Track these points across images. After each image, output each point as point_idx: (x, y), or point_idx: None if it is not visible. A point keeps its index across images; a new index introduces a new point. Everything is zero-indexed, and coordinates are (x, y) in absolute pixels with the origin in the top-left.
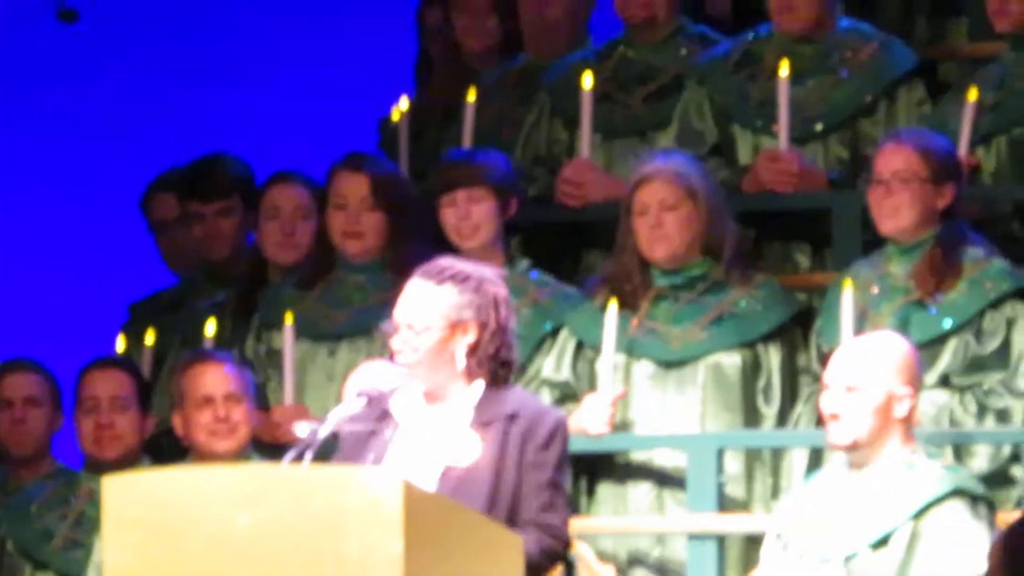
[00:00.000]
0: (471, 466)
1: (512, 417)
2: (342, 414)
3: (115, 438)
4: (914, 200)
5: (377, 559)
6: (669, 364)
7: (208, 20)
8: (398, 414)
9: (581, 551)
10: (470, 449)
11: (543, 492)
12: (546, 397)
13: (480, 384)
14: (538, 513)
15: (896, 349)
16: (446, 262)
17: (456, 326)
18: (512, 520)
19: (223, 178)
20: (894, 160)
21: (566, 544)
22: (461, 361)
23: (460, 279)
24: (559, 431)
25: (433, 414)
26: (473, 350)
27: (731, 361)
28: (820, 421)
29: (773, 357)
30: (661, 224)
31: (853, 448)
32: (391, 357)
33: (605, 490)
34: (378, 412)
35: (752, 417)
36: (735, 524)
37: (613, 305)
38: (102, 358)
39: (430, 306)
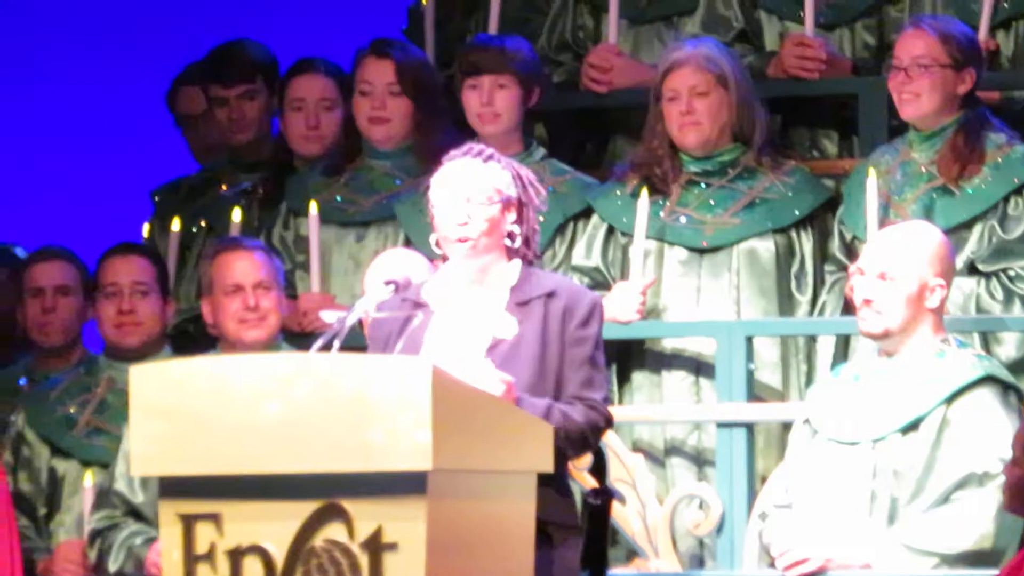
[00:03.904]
0: (517, 338)
1: (551, 295)
2: (370, 302)
3: (136, 324)
4: (934, 85)
5: (404, 447)
6: (703, 250)
7: None
8: (433, 300)
9: (610, 441)
10: (513, 324)
11: (583, 368)
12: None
13: (518, 263)
14: (580, 389)
15: (931, 239)
16: (475, 144)
17: (508, 203)
18: (557, 392)
19: (245, 62)
20: (914, 46)
21: (608, 419)
22: (512, 238)
23: (497, 159)
24: (596, 309)
25: (473, 294)
26: (517, 224)
27: (765, 246)
28: (846, 309)
29: (806, 243)
30: (692, 110)
31: (884, 336)
32: (408, 245)
33: (640, 377)
34: (409, 301)
35: (787, 303)
36: (764, 413)
37: (644, 192)
38: (123, 244)
39: (485, 181)
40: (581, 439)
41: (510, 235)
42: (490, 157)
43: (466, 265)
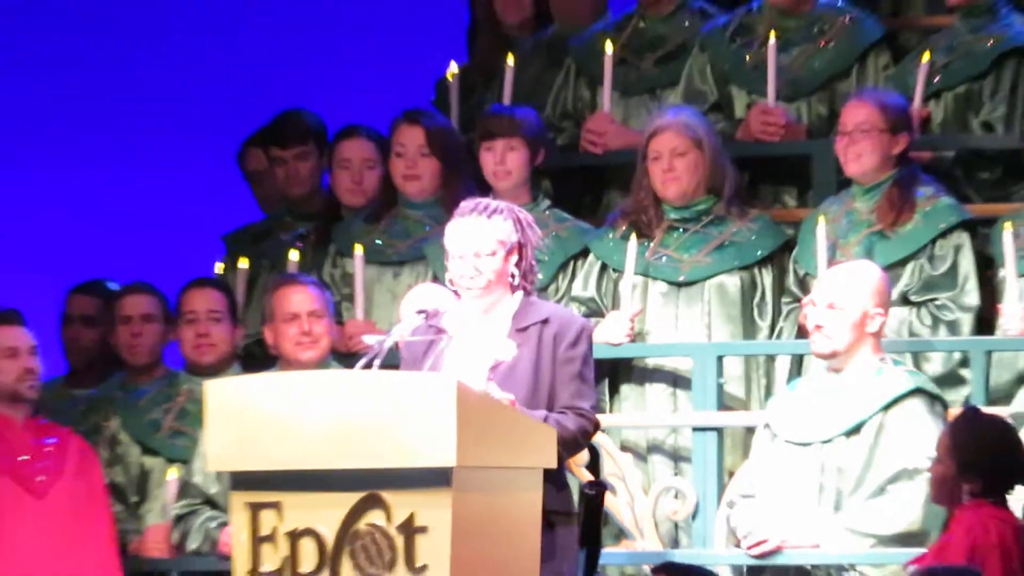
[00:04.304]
0: (515, 361)
1: (546, 322)
2: (404, 328)
3: (211, 345)
4: (874, 147)
5: (433, 448)
6: (680, 284)
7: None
8: (451, 327)
9: (604, 441)
10: (512, 348)
11: (574, 382)
12: (575, 311)
13: (520, 295)
14: (571, 399)
15: (872, 276)
16: (480, 200)
17: (511, 248)
18: (550, 404)
19: (300, 127)
20: (856, 114)
21: (595, 424)
22: (514, 278)
23: (499, 210)
24: (584, 332)
25: (481, 323)
26: (518, 265)
27: (732, 281)
28: (799, 333)
29: (766, 278)
30: (673, 168)
31: (832, 356)
32: (436, 280)
33: (627, 390)
34: (433, 327)
35: (750, 329)
36: (731, 419)
37: (633, 236)
38: (199, 278)
39: (489, 235)
40: (574, 442)
41: (512, 275)
42: (494, 211)
43: (476, 302)
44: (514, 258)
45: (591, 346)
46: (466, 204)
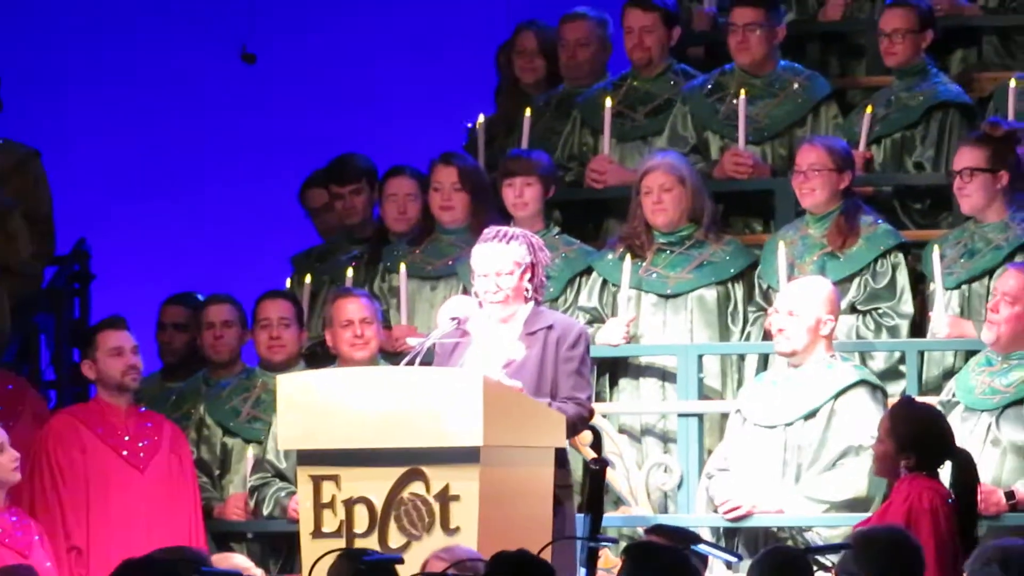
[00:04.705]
0: (524, 359)
1: (550, 327)
2: (440, 332)
3: (281, 346)
4: (824, 184)
5: (464, 430)
6: (667, 296)
7: (343, 61)
8: (474, 331)
9: (604, 425)
10: (521, 349)
11: (572, 376)
12: (581, 319)
13: (530, 305)
14: (571, 391)
15: (824, 288)
16: (500, 228)
17: (525, 268)
18: (553, 394)
19: (354, 168)
20: (809, 156)
21: (591, 412)
22: (528, 291)
23: (515, 236)
24: (582, 336)
25: (499, 328)
26: (531, 281)
27: (710, 294)
28: (765, 336)
29: (738, 292)
30: (661, 201)
31: (792, 354)
32: (465, 292)
33: (624, 383)
34: (460, 331)
35: (725, 333)
36: (710, 407)
37: (628, 256)
38: (272, 290)
39: (507, 257)
40: (572, 426)
41: (526, 289)
42: (511, 238)
43: (496, 311)
44: (528, 275)
45: (588, 348)
46: (488, 232)
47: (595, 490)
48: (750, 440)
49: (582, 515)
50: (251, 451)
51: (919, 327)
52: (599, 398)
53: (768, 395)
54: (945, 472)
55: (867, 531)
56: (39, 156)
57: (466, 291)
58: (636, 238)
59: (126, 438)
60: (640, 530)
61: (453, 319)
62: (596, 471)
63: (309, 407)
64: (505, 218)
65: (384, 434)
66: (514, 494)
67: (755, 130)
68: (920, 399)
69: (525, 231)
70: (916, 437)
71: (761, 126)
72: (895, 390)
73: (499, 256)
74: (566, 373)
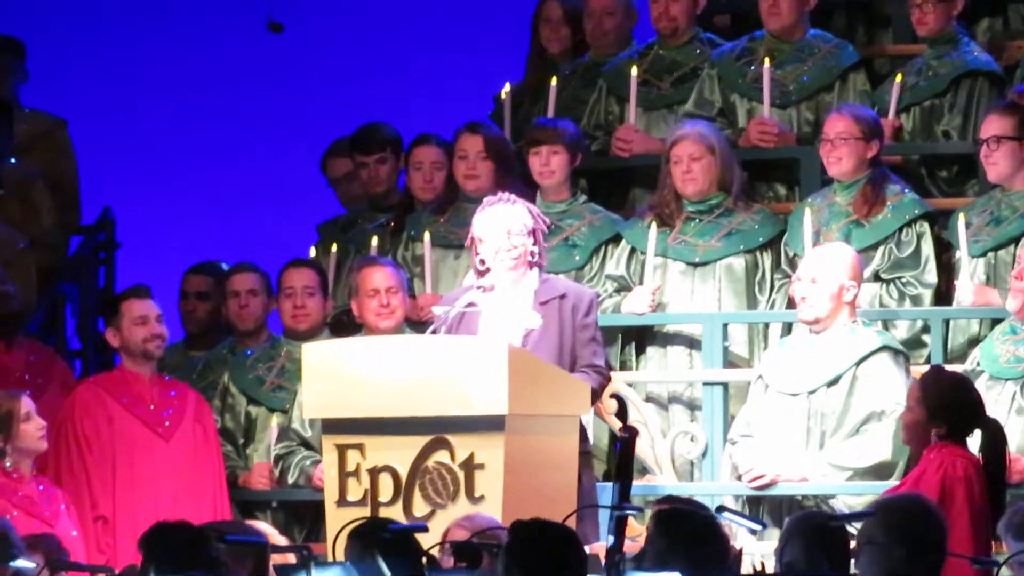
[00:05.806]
0: (542, 329)
1: (563, 296)
2: (463, 301)
3: (306, 315)
4: (851, 153)
5: (489, 398)
6: (695, 264)
7: (368, 30)
8: (482, 302)
9: (629, 394)
10: (537, 319)
11: (590, 344)
12: (609, 287)
13: (536, 272)
14: (591, 358)
15: (847, 256)
16: (501, 193)
17: (531, 232)
18: (573, 362)
19: (379, 137)
20: (836, 125)
21: (608, 377)
22: (533, 255)
23: (516, 200)
24: (594, 303)
25: (509, 298)
26: (535, 246)
27: (738, 262)
28: (790, 304)
29: (766, 260)
30: (690, 170)
31: (815, 322)
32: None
33: (651, 351)
34: (468, 302)
35: (752, 301)
36: (735, 375)
37: (654, 225)
38: (296, 259)
39: (517, 217)
40: (593, 394)
41: (532, 253)
42: (515, 201)
43: (507, 276)
44: (532, 239)
45: (598, 314)
46: (490, 198)
47: (625, 459)
48: (773, 407)
49: (606, 483)
50: (275, 420)
51: (944, 296)
52: (625, 367)
53: (790, 362)
54: (974, 441)
55: (889, 499)
56: (65, 125)
57: None
58: (666, 207)
59: (151, 407)
60: None
61: (479, 287)
62: (627, 440)
63: (335, 376)
64: (530, 187)
65: (409, 403)
66: (539, 463)
67: (782, 93)
68: (947, 368)
69: (520, 199)
70: (947, 406)
71: (788, 89)
72: (919, 359)
73: (510, 215)
74: (583, 342)
